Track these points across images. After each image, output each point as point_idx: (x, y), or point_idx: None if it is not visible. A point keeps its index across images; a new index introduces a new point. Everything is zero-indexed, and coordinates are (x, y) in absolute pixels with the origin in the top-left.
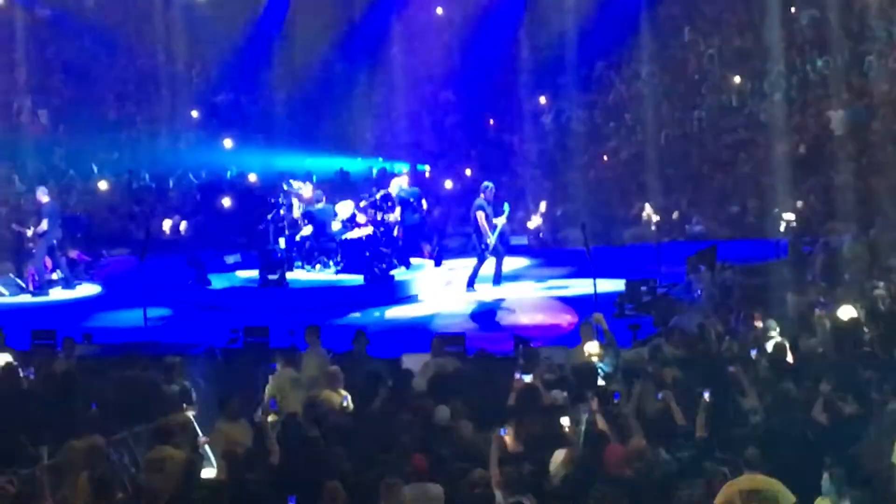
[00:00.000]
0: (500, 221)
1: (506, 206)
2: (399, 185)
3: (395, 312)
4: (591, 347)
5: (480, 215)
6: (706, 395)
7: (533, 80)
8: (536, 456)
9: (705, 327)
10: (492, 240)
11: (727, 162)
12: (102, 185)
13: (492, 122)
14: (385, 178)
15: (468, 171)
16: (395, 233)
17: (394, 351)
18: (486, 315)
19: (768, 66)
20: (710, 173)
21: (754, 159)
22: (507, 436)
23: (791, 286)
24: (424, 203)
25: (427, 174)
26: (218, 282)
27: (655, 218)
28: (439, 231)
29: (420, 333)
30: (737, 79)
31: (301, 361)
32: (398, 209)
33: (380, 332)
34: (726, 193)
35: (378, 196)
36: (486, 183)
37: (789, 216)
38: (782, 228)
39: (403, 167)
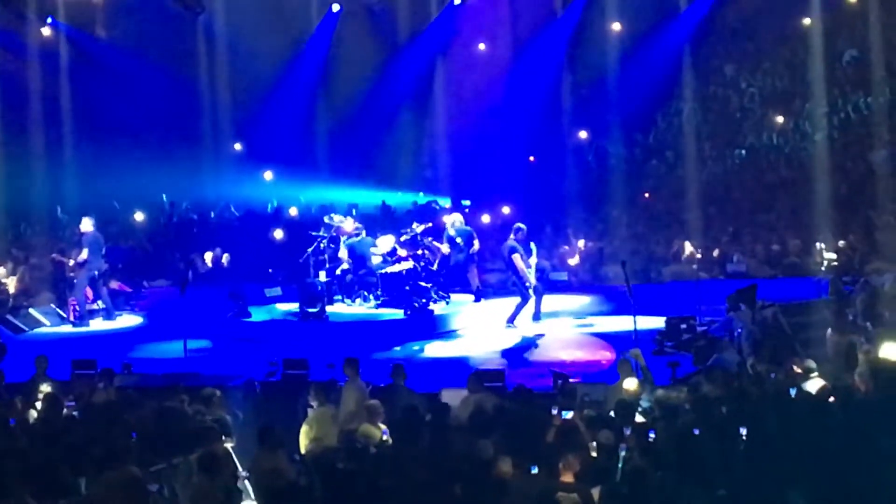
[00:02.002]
0: (533, 261)
1: (533, 247)
2: (453, 221)
3: (434, 347)
4: (629, 384)
5: (517, 257)
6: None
7: (574, 117)
8: (582, 490)
9: (745, 366)
10: (532, 279)
11: (768, 200)
12: (141, 217)
13: (532, 158)
14: (426, 212)
15: (506, 209)
16: (436, 267)
17: (433, 386)
18: (525, 351)
19: (810, 105)
20: (751, 212)
21: (795, 198)
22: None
23: (832, 325)
24: (476, 244)
25: (467, 210)
26: (258, 314)
27: (696, 255)
28: (479, 267)
29: (459, 368)
30: (779, 118)
31: (340, 395)
32: (446, 244)
33: (419, 367)
34: (767, 232)
35: (419, 230)
36: (518, 224)
37: (830, 255)
38: (823, 267)
39: (445, 202)
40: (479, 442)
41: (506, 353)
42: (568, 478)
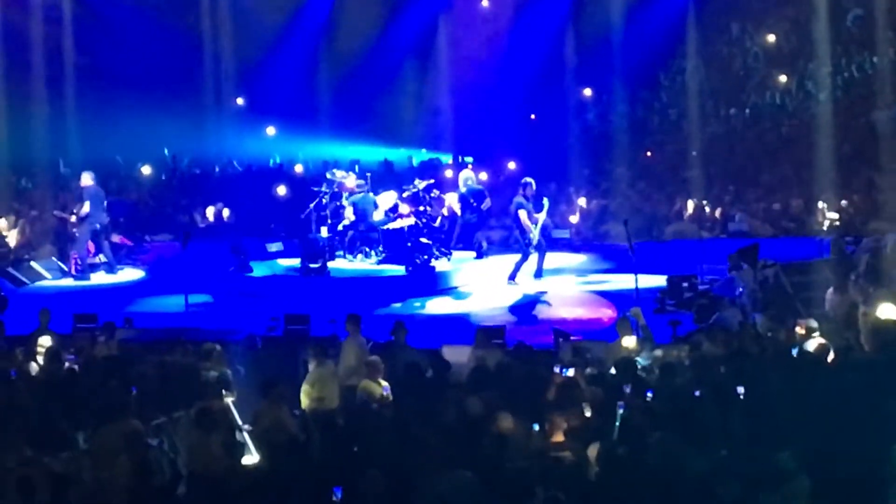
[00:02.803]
0: (541, 217)
1: (545, 202)
2: (465, 179)
3: (435, 304)
4: (628, 342)
5: (522, 213)
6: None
7: (577, 74)
8: (576, 449)
9: (746, 325)
10: (535, 236)
11: (771, 159)
12: (145, 171)
13: (533, 116)
14: (428, 168)
15: (511, 165)
16: (438, 223)
17: (434, 342)
18: (526, 308)
19: (814, 64)
20: (753, 171)
21: (798, 157)
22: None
23: (833, 285)
24: (488, 201)
25: (470, 166)
26: (259, 269)
27: (698, 214)
28: (481, 224)
29: (461, 325)
30: (782, 77)
31: (340, 351)
32: (453, 196)
33: (420, 323)
34: (770, 191)
35: (421, 186)
36: (526, 179)
37: (833, 215)
38: (825, 227)
39: (447, 158)
40: (468, 398)
41: (507, 310)
42: (559, 437)
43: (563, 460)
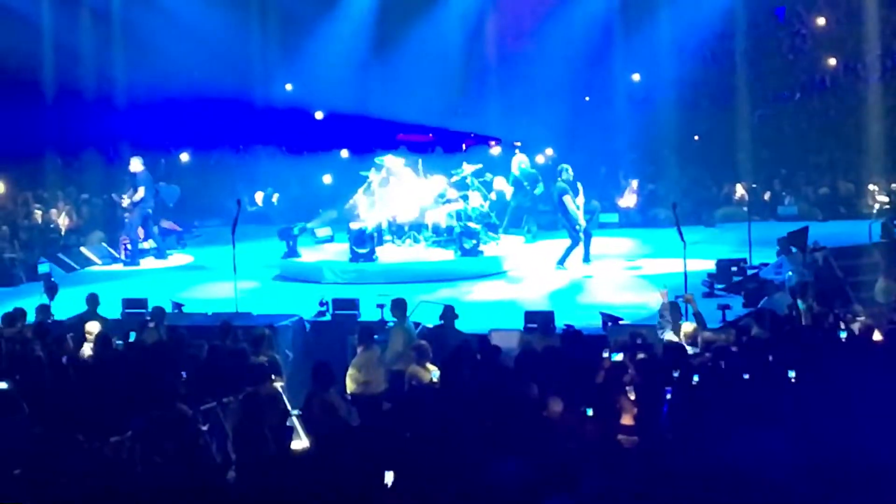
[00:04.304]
0: (580, 201)
1: (580, 187)
2: (519, 162)
3: (484, 288)
4: (685, 327)
5: (568, 199)
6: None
7: (626, 58)
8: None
9: (796, 309)
10: (582, 220)
11: (820, 142)
12: (185, 157)
13: (587, 98)
14: (476, 152)
15: (549, 151)
16: (486, 208)
17: (482, 327)
18: (575, 293)
19: (864, 47)
20: (803, 154)
21: (847, 140)
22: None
23: (882, 270)
24: (541, 185)
25: (517, 151)
26: (308, 254)
27: (747, 198)
28: (532, 208)
29: (509, 310)
30: (831, 60)
31: (387, 336)
32: (501, 180)
33: (469, 308)
34: (819, 174)
35: (469, 171)
36: (562, 165)
37: (883, 198)
38: (875, 210)
39: (494, 142)
40: (517, 383)
41: (555, 295)
42: (628, 420)
43: (625, 444)
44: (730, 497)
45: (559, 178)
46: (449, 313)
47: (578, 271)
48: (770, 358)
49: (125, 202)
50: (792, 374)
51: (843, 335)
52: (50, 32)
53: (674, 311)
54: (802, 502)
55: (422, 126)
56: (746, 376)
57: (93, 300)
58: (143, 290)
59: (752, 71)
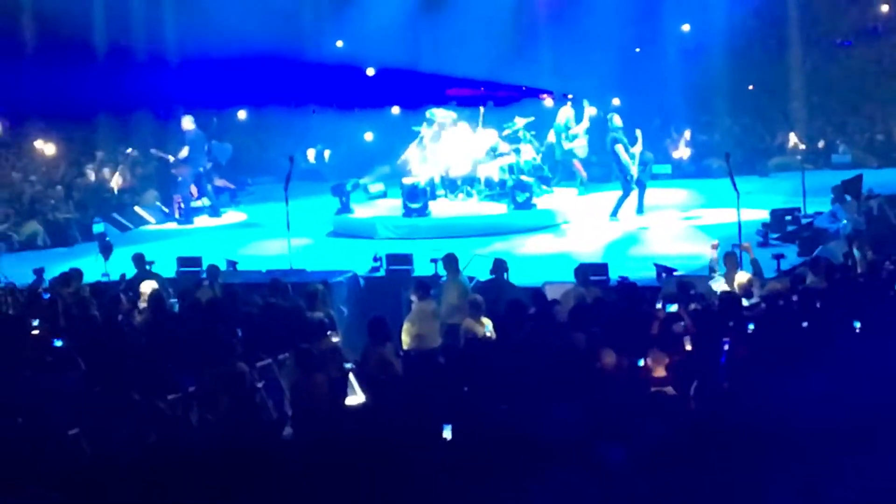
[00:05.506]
0: (637, 149)
1: (638, 133)
2: (567, 115)
3: (537, 241)
4: (740, 277)
5: (619, 148)
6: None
7: (677, 8)
8: (678, 384)
9: (851, 257)
10: (634, 170)
11: (873, 90)
12: (243, 115)
13: (638, 49)
14: (528, 105)
15: (616, 101)
16: (539, 160)
17: (536, 280)
18: (628, 244)
19: None
20: (856, 101)
21: None
22: (650, 363)
23: None
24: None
25: (570, 103)
26: (361, 210)
27: (801, 146)
28: (583, 159)
29: (563, 262)
30: (884, 6)
31: (441, 290)
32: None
33: (522, 261)
34: (873, 121)
35: (521, 124)
36: (610, 114)
37: None
38: None
39: (546, 95)
40: (574, 335)
41: (609, 247)
42: (660, 372)
43: (664, 395)
44: (784, 446)
45: (609, 128)
46: (500, 266)
47: (632, 222)
48: (826, 306)
49: (171, 158)
50: (857, 324)
51: None
52: None
53: (730, 260)
54: (855, 450)
55: (472, 80)
56: (805, 324)
57: (139, 260)
58: (197, 249)
59: (804, 18)
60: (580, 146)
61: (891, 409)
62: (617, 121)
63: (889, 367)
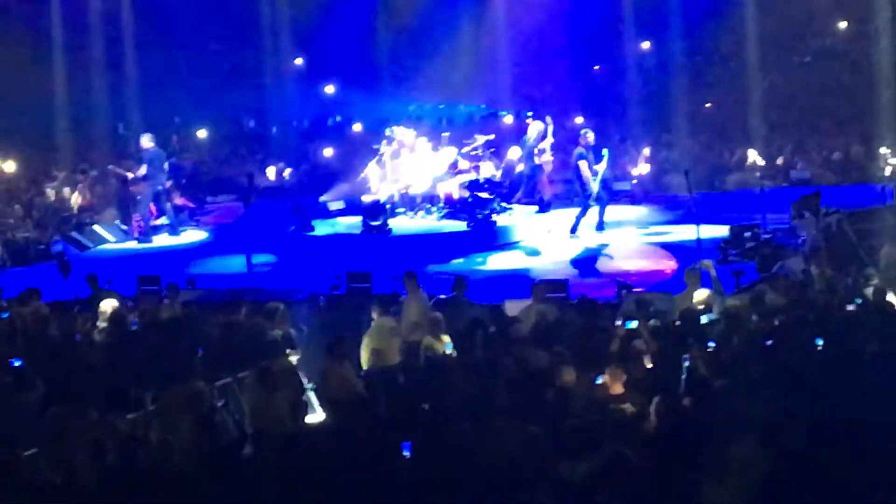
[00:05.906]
0: (601, 168)
1: (605, 152)
2: (537, 130)
3: (497, 258)
4: (700, 294)
5: (583, 164)
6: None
7: (636, 26)
8: (637, 401)
9: (810, 274)
10: (595, 187)
11: (832, 107)
12: (203, 134)
13: (597, 67)
14: (488, 123)
15: (579, 119)
16: (499, 178)
17: (495, 297)
18: (588, 261)
19: (875, 11)
20: (814, 118)
21: (859, 104)
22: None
23: (888, 236)
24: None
25: (529, 121)
26: (321, 228)
27: (759, 163)
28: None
29: (522, 280)
30: (842, 23)
31: (401, 307)
32: (514, 151)
33: (482, 278)
34: (831, 138)
35: (481, 142)
36: (584, 130)
37: (894, 161)
38: (887, 173)
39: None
40: (535, 352)
41: (569, 264)
42: (617, 389)
43: (623, 412)
44: (751, 461)
45: (580, 143)
46: (460, 283)
47: (592, 239)
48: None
49: (129, 175)
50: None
51: (858, 301)
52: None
53: (690, 276)
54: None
55: (433, 98)
56: (769, 342)
57: (92, 280)
58: (157, 267)
59: (763, 36)
60: (547, 161)
61: (849, 425)
62: (590, 137)
63: (847, 384)
